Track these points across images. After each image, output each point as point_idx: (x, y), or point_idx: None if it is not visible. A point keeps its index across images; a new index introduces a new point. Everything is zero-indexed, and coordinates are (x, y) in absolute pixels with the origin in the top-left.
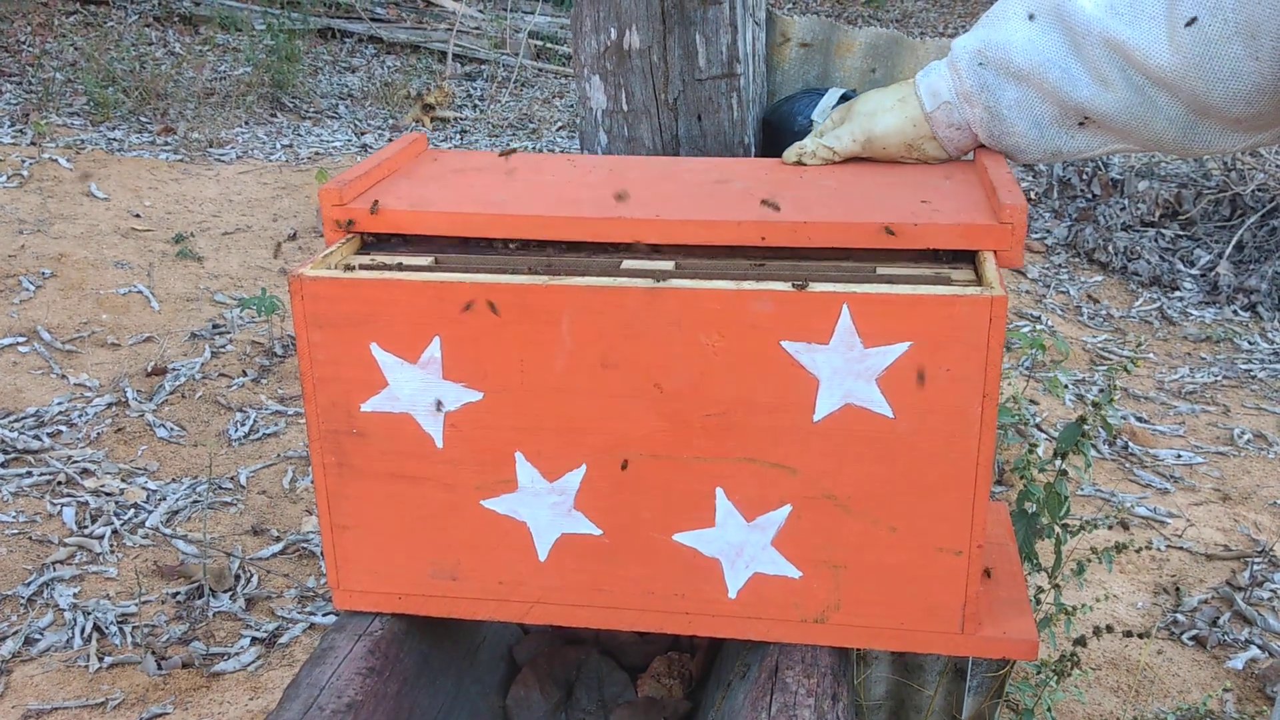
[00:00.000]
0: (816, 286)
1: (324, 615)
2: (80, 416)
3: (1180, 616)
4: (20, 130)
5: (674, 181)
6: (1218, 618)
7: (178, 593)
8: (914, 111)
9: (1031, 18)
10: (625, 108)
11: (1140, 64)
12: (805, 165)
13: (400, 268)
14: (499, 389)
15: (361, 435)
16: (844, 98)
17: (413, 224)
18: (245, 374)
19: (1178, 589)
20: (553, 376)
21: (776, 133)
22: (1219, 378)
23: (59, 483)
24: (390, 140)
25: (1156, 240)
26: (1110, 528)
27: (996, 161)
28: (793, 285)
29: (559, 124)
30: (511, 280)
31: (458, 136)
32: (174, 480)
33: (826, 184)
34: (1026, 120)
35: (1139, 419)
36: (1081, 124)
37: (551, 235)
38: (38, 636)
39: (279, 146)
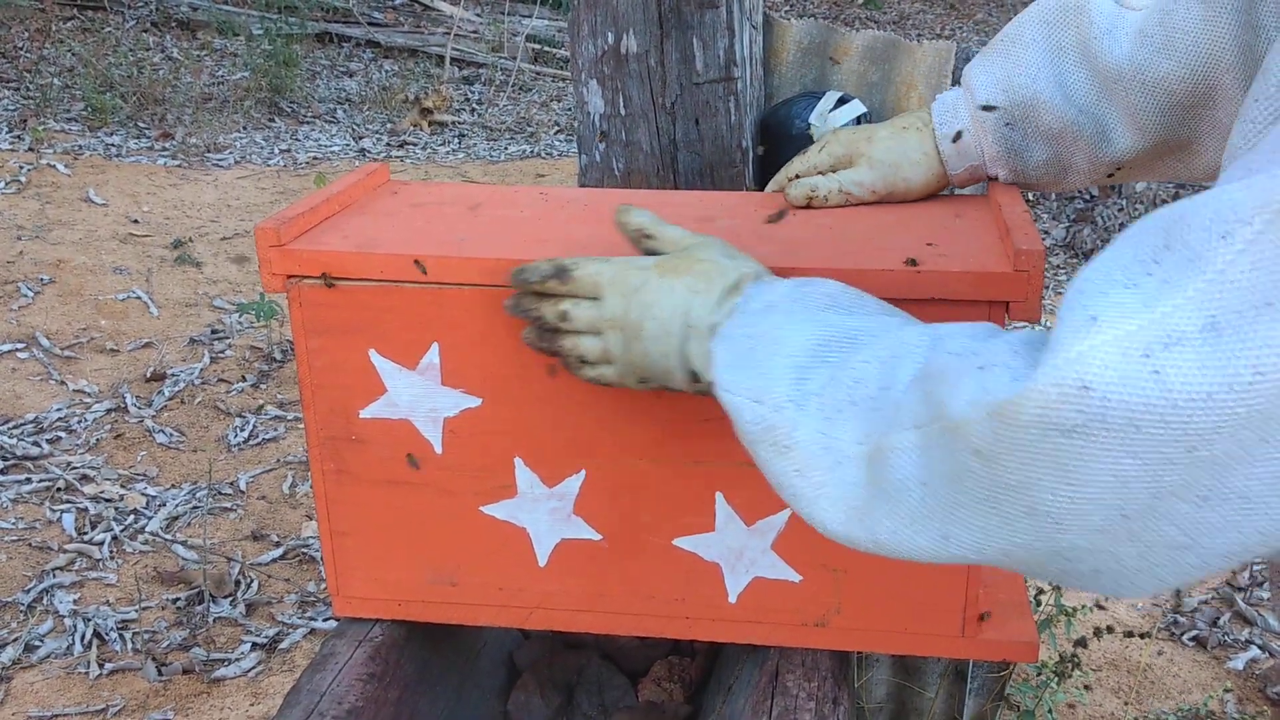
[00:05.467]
0: None
1: (324, 620)
2: (79, 422)
3: (1180, 617)
4: (18, 136)
5: None
6: (1218, 618)
7: (178, 598)
8: (939, 168)
9: (1059, 57)
10: (623, 112)
11: (1187, 95)
12: (815, 204)
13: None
14: (498, 395)
15: (360, 442)
16: (841, 100)
17: (357, 268)
18: (244, 379)
19: (1177, 590)
20: (551, 382)
21: (774, 136)
22: None
23: (58, 489)
24: (388, 145)
25: None
26: None
27: (1012, 198)
28: None
29: (557, 127)
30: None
31: (456, 140)
32: (174, 486)
33: (822, 222)
34: (1054, 173)
35: None
36: (1111, 175)
37: (509, 281)
38: (38, 643)
39: (277, 151)
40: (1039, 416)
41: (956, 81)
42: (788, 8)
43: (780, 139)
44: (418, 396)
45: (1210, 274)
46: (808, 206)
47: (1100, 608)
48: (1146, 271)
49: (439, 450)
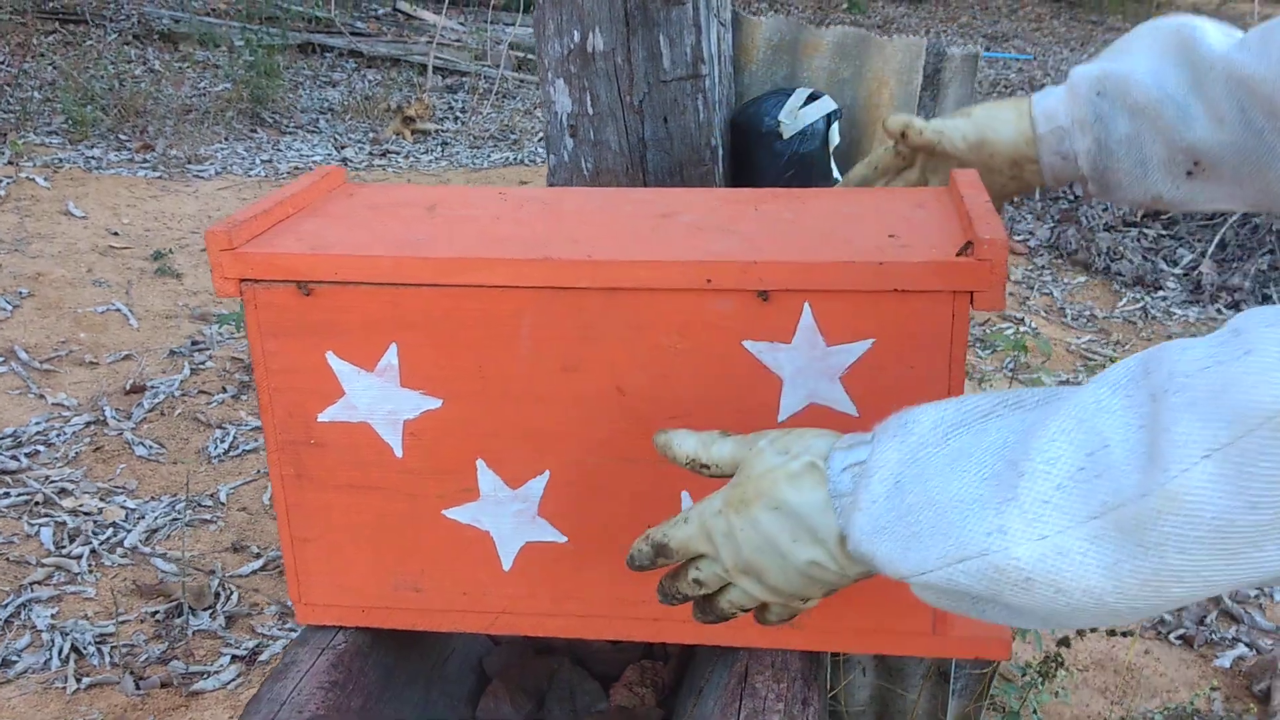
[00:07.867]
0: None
1: None
2: (58, 436)
3: (1167, 615)
4: None
5: (612, 215)
6: (1205, 616)
7: (156, 611)
8: (1028, 129)
9: (1160, 55)
10: (591, 111)
11: (1266, 99)
12: (909, 137)
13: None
14: (458, 396)
15: (319, 446)
16: (811, 97)
17: (309, 270)
18: (224, 390)
19: None
20: (513, 382)
21: (744, 134)
22: None
23: (36, 503)
24: (370, 154)
25: (1139, 240)
26: None
27: (974, 188)
28: (756, 294)
29: (540, 134)
30: (468, 284)
31: (439, 148)
32: (153, 498)
33: (784, 217)
34: (1133, 158)
35: None
36: (1189, 172)
37: (468, 280)
38: (15, 658)
39: (258, 162)
40: None
41: (928, 77)
42: (771, 12)
43: (750, 136)
44: (376, 399)
45: None
46: (902, 137)
47: None
48: None
49: (399, 453)
